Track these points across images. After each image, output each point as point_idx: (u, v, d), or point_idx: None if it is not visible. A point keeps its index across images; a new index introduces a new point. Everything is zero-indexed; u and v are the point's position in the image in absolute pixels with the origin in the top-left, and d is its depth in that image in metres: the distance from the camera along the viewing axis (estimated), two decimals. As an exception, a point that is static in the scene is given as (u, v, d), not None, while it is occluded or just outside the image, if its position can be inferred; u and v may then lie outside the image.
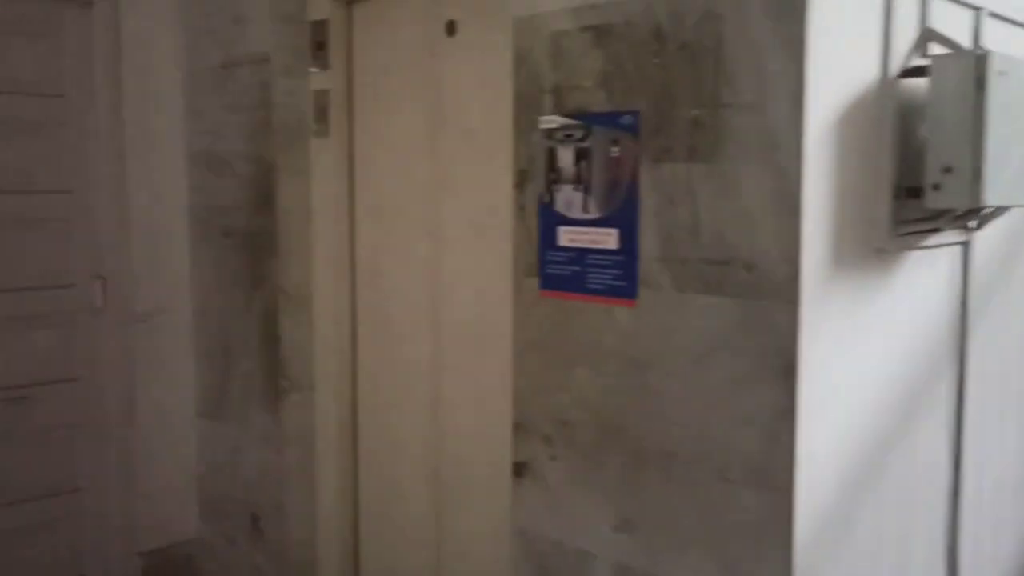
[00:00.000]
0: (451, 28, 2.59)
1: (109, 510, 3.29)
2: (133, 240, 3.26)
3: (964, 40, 2.09)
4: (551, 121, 2.08)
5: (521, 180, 2.17)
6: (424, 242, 2.75)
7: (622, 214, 1.96)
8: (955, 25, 2.07)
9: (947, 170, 1.84)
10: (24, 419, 3.09)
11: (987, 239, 2.32)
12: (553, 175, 2.09)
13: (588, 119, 2.00)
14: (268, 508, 3.13)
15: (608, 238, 1.99)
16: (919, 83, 1.93)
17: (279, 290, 3.02)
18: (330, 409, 3.03)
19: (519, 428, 2.21)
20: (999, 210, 2.10)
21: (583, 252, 2.04)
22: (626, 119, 1.93)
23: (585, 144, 2.01)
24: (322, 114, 2.92)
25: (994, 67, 1.80)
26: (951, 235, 2.15)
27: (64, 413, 3.19)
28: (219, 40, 3.16)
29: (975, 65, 1.81)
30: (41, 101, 3.09)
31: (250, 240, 3.11)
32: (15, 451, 3.09)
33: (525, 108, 2.14)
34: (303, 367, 3.03)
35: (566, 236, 2.07)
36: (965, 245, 2.25)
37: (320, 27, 2.90)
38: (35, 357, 3.12)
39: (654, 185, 1.90)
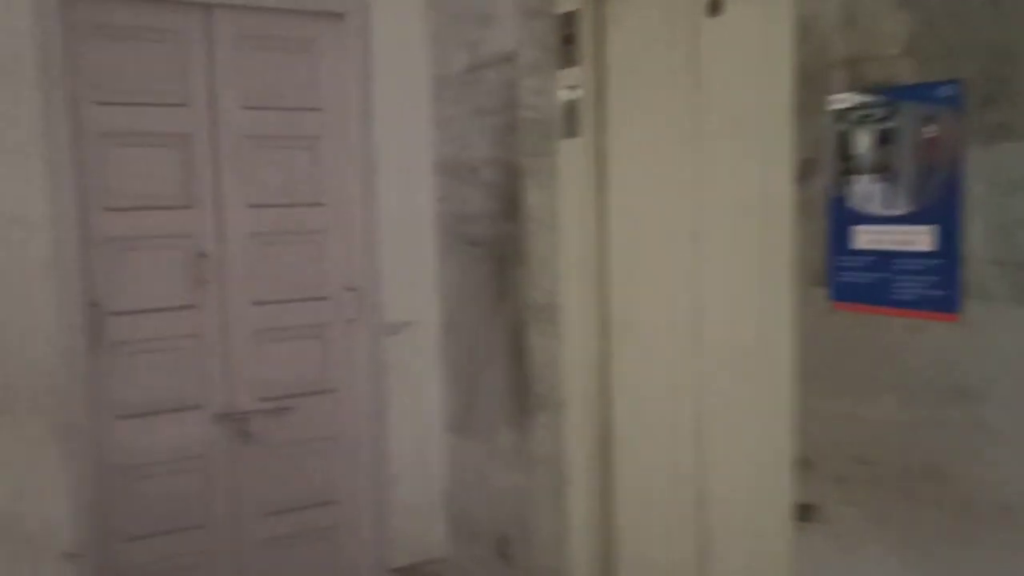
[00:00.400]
0: (715, 6, 2.30)
1: (362, 524, 3.28)
2: (383, 251, 3.25)
3: None
4: (844, 100, 1.75)
5: (804, 172, 1.85)
6: (684, 248, 2.47)
7: (940, 208, 1.59)
8: None
9: None
10: (287, 429, 3.15)
11: None
12: (846, 164, 1.75)
13: (893, 94, 1.66)
14: (516, 531, 2.97)
15: (921, 238, 1.63)
16: None
17: (527, 301, 2.85)
18: (582, 430, 2.82)
19: (803, 464, 1.88)
20: None
21: (887, 256, 1.69)
22: (945, 91, 1.57)
23: (889, 124, 1.66)
24: (571, 113, 2.73)
25: None
26: None
27: (322, 424, 3.22)
28: (465, 42, 3.06)
29: None
30: (301, 115, 3.14)
31: (496, 249, 2.98)
32: (279, 461, 3.15)
33: (809, 86, 1.83)
34: (552, 384, 2.84)
35: (864, 237, 1.73)
36: None
37: (569, 19, 2.71)
38: (296, 368, 3.17)
39: (985, 170, 1.52)
